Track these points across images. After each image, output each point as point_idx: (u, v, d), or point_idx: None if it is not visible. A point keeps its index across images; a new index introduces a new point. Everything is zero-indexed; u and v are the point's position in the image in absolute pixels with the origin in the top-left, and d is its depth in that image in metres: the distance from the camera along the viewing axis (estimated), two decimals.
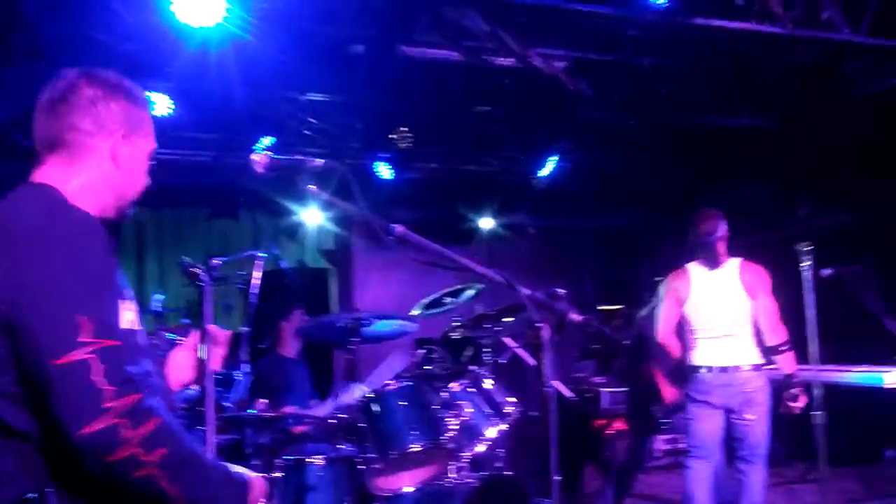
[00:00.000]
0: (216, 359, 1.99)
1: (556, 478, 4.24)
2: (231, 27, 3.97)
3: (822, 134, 4.26)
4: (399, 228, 1.75)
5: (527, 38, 5.08)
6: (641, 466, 5.71)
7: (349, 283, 7.78)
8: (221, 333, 2.02)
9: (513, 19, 4.84)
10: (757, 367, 4.27)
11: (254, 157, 1.91)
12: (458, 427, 3.97)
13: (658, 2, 4.21)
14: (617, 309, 8.42)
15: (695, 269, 4.41)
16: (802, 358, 4.42)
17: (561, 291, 1.54)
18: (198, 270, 2.30)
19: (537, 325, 1.60)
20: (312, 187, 1.83)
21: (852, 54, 4.84)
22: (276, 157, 1.94)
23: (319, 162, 1.85)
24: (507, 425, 4.33)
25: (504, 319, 4.80)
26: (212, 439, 2.02)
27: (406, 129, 5.95)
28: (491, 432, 4.20)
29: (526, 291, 1.59)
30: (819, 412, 3.75)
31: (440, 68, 5.45)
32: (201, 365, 1.93)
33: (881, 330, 4.68)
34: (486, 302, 4.93)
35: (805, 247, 4.22)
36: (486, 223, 8.17)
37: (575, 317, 1.50)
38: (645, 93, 5.82)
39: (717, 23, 4.33)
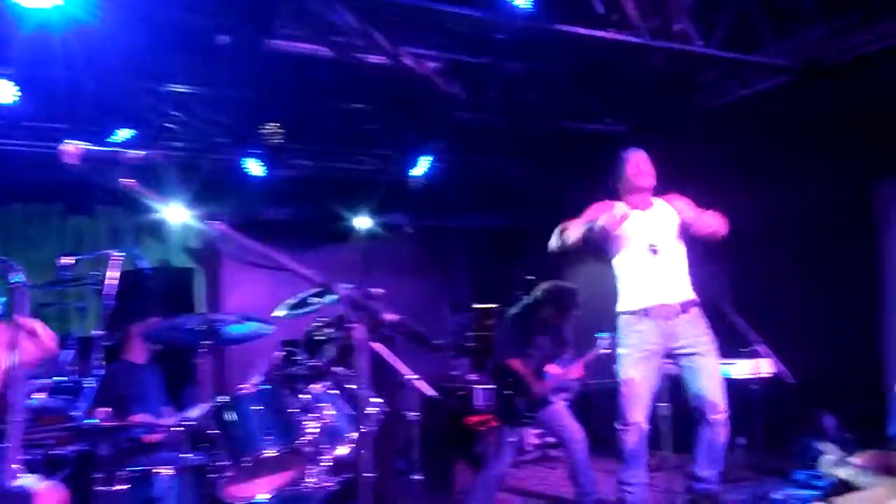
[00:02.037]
0: (31, 351, 1.82)
1: (418, 477, 4.26)
2: (72, 9, 3.70)
3: (679, 142, 4.45)
4: (219, 225, 1.65)
5: (398, 37, 5.05)
6: (508, 460, 5.82)
7: (217, 282, 7.49)
8: (32, 324, 1.86)
9: (383, 17, 4.79)
10: None
11: (63, 146, 1.77)
12: (318, 430, 3.89)
13: (522, 6, 4.25)
14: (492, 307, 8.58)
15: None
16: None
17: (377, 291, 1.50)
18: (10, 268, 2.11)
19: (351, 325, 1.56)
20: (129, 181, 1.70)
21: (705, 65, 5.12)
22: (90, 147, 1.80)
23: (139, 154, 1.72)
24: (371, 426, 4.28)
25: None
26: (16, 450, 1.85)
27: (277, 124, 5.77)
28: (354, 434, 4.14)
29: (343, 291, 1.54)
30: (664, 403, 3.90)
31: (309, 63, 5.33)
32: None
33: (723, 323, 4.93)
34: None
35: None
36: (363, 222, 8.09)
37: (388, 317, 1.46)
38: (516, 97, 5.91)
39: (580, 30, 4.43)
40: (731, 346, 5.54)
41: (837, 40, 4.57)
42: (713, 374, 4.26)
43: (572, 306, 5.93)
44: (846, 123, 5.47)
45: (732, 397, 4.36)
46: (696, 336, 4.27)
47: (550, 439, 7.16)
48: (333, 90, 5.73)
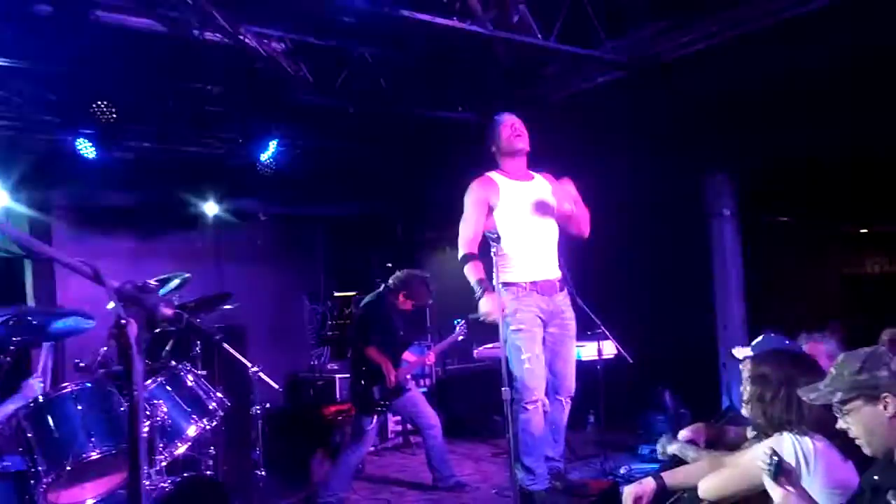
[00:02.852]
0: None
1: (262, 473, 4.16)
2: None
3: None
4: None
5: (240, 15, 4.83)
6: (365, 448, 5.82)
7: (49, 274, 6.93)
8: None
9: None
10: None
11: None
12: (151, 428, 3.70)
13: None
14: (352, 296, 8.49)
15: None
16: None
17: (152, 283, 1.42)
18: None
19: (123, 321, 1.46)
20: None
21: (546, 58, 5.25)
22: None
23: None
24: (213, 423, 4.13)
25: (210, 310, 4.57)
26: None
27: (108, 102, 5.36)
28: (192, 431, 3.98)
29: (114, 284, 1.44)
30: (506, 388, 3.96)
31: (143, 39, 4.99)
32: None
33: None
34: (193, 292, 4.65)
35: None
36: (211, 208, 7.75)
37: (166, 311, 1.38)
38: (365, 82, 5.83)
39: (422, 17, 4.42)
40: (578, 328, 5.79)
41: (665, 39, 4.83)
42: (572, 357, 4.34)
43: (425, 294, 5.99)
44: (678, 119, 5.82)
45: (580, 378, 4.52)
46: (570, 319, 4.31)
47: (411, 426, 7.24)
48: (171, 69, 5.38)
